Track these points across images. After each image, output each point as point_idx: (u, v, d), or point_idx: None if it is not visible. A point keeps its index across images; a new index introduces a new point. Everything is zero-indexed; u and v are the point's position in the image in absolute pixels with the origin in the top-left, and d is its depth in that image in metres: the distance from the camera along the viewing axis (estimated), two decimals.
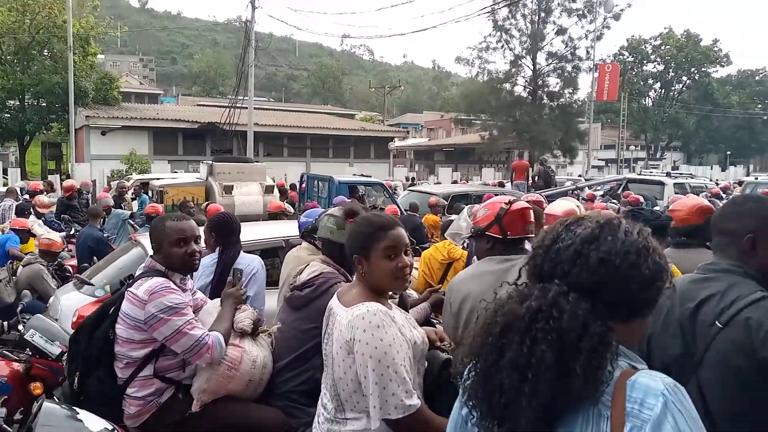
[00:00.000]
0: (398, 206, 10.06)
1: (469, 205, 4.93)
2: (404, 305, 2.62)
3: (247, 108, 21.78)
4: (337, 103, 65.64)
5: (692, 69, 47.51)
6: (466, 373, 1.24)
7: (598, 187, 17.26)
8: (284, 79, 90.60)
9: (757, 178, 22.31)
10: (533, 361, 1.09)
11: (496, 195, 11.56)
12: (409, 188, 15.30)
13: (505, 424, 1.13)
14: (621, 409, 1.06)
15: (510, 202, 2.63)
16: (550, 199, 15.11)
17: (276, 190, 10.54)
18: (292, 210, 9.49)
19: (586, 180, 20.77)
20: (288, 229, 5.25)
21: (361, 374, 1.87)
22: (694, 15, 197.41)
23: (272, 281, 4.13)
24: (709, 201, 14.84)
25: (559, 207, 4.33)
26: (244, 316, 2.77)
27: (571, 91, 30.20)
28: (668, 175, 18.24)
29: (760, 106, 52.42)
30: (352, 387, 1.91)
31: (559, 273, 1.18)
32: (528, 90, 30.64)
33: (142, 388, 2.55)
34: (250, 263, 3.60)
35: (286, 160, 28.32)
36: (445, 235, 4.71)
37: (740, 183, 21.18)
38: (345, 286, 2.21)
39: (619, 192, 15.21)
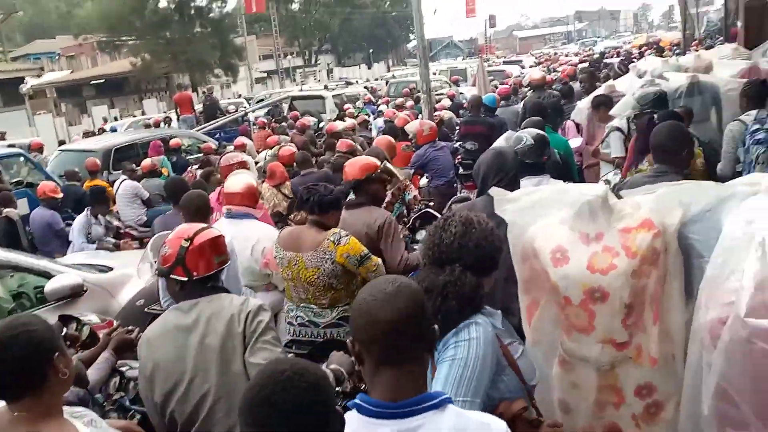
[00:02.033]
0: (52, 179, 8.44)
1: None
2: None
3: None
4: None
5: None
6: None
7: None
8: None
9: (394, 76, 25.42)
10: (443, 309, 1.74)
11: (163, 141, 10.69)
12: (59, 148, 12.89)
13: None
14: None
15: (191, 238, 2.35)
16: (220, 129, 14.86)
17: None
18: None
19: (250, 103, 20.73)
20: None
21: None
22: None
23: None
24: (365, 107, 16.22)
25: (237, 184, 4.17)
26: None
27: (220, 4, 29.14)
28: (326, 88, 19.44)
29: (387, 4, 58.72)
30: None
31: (453, 258, 1.81)
32: (174, 6, 28.52)
33: None
34: None
35: None
36: None
37: (386, 82, 23.85)
38: None
39: (285, 113, 15.65)
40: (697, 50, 14.26)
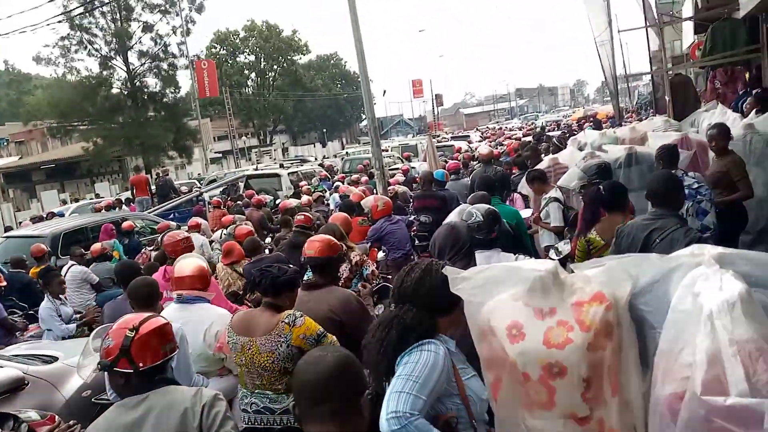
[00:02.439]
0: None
1: None
2: None
3: None
4: None
5: (280, 58, 51.93)
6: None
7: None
8: None
9: (347, 153, 25.91)
10: (387, 338, 2.08)
11: (115, 224, 10.48)
12: (5, 235, 12.49)
13: (373, 371, 2.08)
14: None
15: (136, 327, 2.26)
16: (174, 210, 14.68)
17: None
18: None
19: (205, 183, 20.67)
20: None
21: None
22: (272, 8, 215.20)
23: None
24: (321, 183, 16.41)
25: (186, 268, 4.07)
26: None
27: (173, 90, 29.49)
28: (282, 166, 19.63)
29: (339, 86, 60.74)
30: None
31: (411, 299, 2.19)
32: (126, 92, 28.71)
33: None
34: None
35: None
36: None
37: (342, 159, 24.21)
38: None
39: (241, 192, 15.64)
40: (631, 121, 15.16)
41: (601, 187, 4.31)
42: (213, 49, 48.37)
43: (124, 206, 15.50)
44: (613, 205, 4.13)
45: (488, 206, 3.77)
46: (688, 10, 13.48)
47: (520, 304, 2.02)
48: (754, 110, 7.22)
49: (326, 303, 3.47)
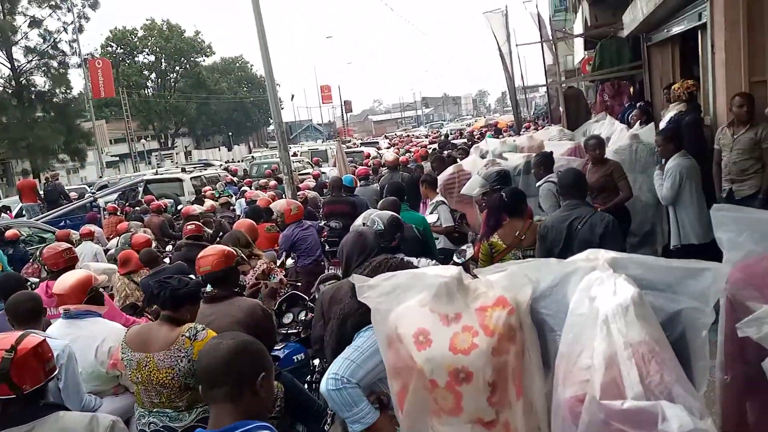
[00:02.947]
0: None
1: None
2: None
3: None
4: None
5: (182, 59, 49.99)
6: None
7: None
8: None
9: (253, 158, 25.36)
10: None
11: None
12: None
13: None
14: None
15: (14, 347, 2.04)
16: (65, 217, 13.67)
17: None
18: None
19: (96, 188, 19.45)
20: None
21: None
22: (173, 8, 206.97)
23: None
24: (227, 187, 15.93)
25: (65, 283, 3.72)
26: None
27: (64, 90, 27.52)
28: (183, 170, 18.85)
29: (245, 89, 59.39)
30: None
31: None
32: (11, 91, 26.48)
33: None
34: None
35: None
36: None
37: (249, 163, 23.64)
38: None
39: (140, 197, 14.85)
40: (529, 130, 15.95)
41: (503, 193, 4.47)
42: (109, 48, 45.77)
43: (3, 214, 14.20)
44: (514, 210, 4.31)
45: (391, 213, 3.80)
46: (579, 28, 14.39)
47: (427, 311, 2.02)
48: (638, 122, 7.78)
49: (230, 315, 3.33)
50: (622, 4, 9.35)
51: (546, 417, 1.91)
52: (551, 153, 6.08)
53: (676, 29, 7.71)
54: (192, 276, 3.95)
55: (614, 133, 7.70)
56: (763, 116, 5.37)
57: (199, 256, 3.63)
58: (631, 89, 11.32)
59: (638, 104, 9.06)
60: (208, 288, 3.67)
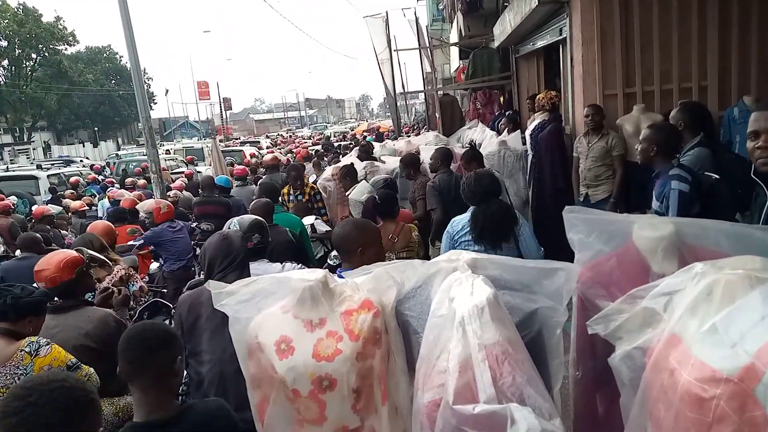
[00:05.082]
0: None
1: None
2: None
3: None
4: None
5: (40, 46, 45.57)
6: None
7: None
8: None
9: (118, 156, 23.73)
10: None
11: None
12: None
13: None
14: None
15: None
16: None
17: None
18: None
19: None
20: None
21: None
22: None
23: None
24: (89, 186, 14.77)
25: None
26: None
27: None
28: (39, 167, 17.17)
29: (114, 81, 55.43)
30: None
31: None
32: None
33: None
34: None
35: None
36: None
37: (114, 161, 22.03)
38: None
39: None
40: (408, 135, 16.33)
41: (376, 196, 4.48)
42: None
43: None
44: (386, 213, 4.33)
45: (253, 217, 3.66)
46: (454, 37, 14.96)
47: (290, 317, 1.92)
48: (506, 129, 8.20)
49: (78, 327, 3.00)
50: (492, 16, 9.82)
51: (411, 421, 1.88)
52: (449, 149, 6.27)
53: (540, 43, 8.21)
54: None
55: (485, 140, 8.05)
56: (614, 126, 5.85)
57: (36, 267, 3.22)
58: (501, 98, 11.92)
59: (507, 113, 9.56)
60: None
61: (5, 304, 2.71)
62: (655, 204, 3.48)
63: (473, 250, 2.94)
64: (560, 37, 7.01)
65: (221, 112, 57.06)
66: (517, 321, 1.70)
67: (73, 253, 3.36)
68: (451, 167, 5.75)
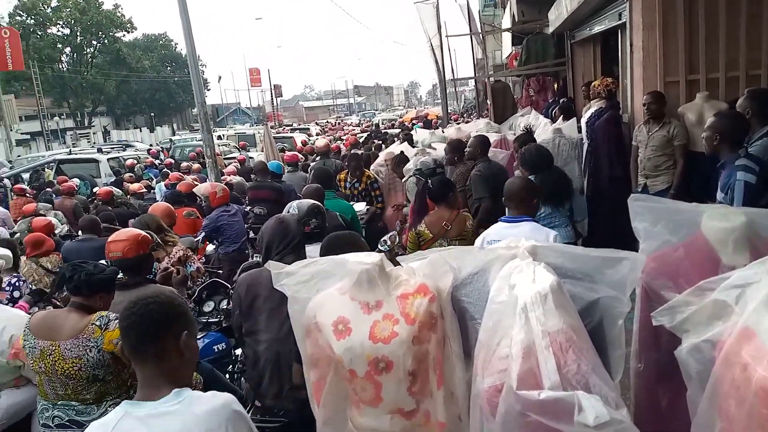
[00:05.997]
0: None
1: None
2: None
3: None
4: None
5: (100, 33, 47.22)
6: None
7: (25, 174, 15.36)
8: None
9: (172, 141, 24.35)
10: None
11: None
12: None
13: None
14: None
15: None
16: None
17: None
18: None
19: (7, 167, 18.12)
20: None
21: None
22: None
23: None
24: (147, 170, 15.31)
25: None
26: None
27: None
28: (100, 151, 17.84)
29: (169, 68, 56.94)
30: None
31: None
32: None
33: None
34: None
35: None
36: None
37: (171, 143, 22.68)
38: None
39: (43, 178, 13.92)
40: (457, 123, 16.18)
41: (430, 181, 4.46)
42: (18, 18, 42.52)
43: None
44: (439, 199, 4.30)
45: (311, 201, 3.71)
46: (507, 23, 14.68)
47: (347, 298, 1.95)
48: (561, 117, 8.02)
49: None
50: (547, 1, 9.59)
51: (467, 406, 1.89)
52: (486, 137, 6.18)
53: (598, 28, 7.98)
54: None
55: (538, 127, 7.90)
56: (675, 115, 5.64)
57: (109, 239, 3.38)
58: (556, 85, 11.66)
59: (561, 100, 9.34)
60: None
61: (79, 280, 2.85)
62: (719, 195, 3.35)
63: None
64: (619, 22, 6.79)
65: (272, 98, 57.85)
66: (578, 310, 1.67)
67: (141, 233, 3.50)
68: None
